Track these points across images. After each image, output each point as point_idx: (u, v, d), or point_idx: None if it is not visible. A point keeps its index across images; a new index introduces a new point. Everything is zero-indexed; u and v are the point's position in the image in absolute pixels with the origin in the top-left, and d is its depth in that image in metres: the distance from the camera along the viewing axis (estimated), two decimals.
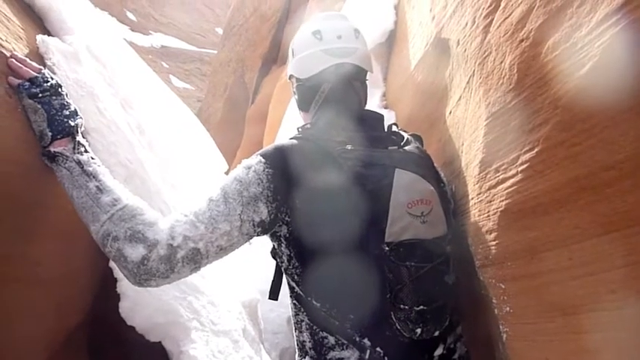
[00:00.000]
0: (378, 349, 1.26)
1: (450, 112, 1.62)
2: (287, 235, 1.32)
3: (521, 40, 1.06)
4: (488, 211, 1.20)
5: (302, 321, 1.37)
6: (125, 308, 1.48)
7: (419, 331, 1.24)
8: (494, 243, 1.18)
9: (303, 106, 1.64)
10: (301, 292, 1.35)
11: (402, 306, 1.24)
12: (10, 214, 1.18)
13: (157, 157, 1.89)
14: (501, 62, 1.15)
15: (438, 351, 1.32)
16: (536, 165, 1.04)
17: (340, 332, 1.29)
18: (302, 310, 1.36)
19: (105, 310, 1.59)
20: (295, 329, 1.40)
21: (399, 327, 1.25)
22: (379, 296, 1.27)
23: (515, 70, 1.09)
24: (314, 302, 1.32)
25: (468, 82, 1.41)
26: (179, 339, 1.57)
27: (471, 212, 1.34)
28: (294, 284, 1.37)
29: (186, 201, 1.97)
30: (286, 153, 1.32)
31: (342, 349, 1.29)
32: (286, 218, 1.30)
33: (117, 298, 1.52)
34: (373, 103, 2.49)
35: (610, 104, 0.84)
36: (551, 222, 1.02)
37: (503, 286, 1.16)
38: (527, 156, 1.05)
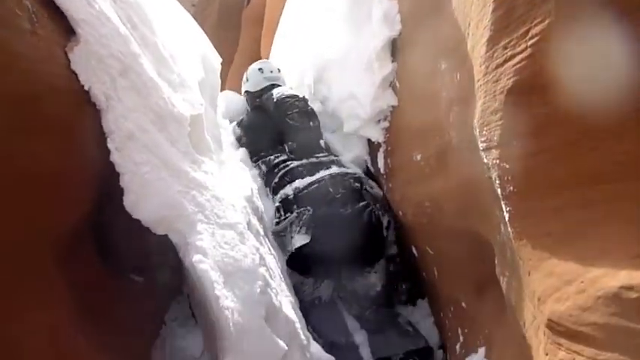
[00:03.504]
0: None
1: None
2: None
3: None
4: (495, 91, 1.17)
5: None
6: (129, 201, 1.48)
7: None
8: (499, 123, 1.16)
9: (251, 103, 3.34)
10: None
11: None
12: (2, 108, 1.14)
13: (150, 53, 1.83)
14: None
15: None
16: (546, 37, 0.99)
17: None
18: None
19: (110, 206, 1.60)
20: None
21: None
22: None
23: None
24: None
25: None
26: (185, 231, 1.59)
27: (477, 95, 1.30)
28: None
29: (183, 99, 1.93)
30: None
31: None
32: None
33: (120, 193, 1.52)
34: None
35: None
36: (559, 96, 0.99)
37: (507, 166, 1.15)
38: (538, 28, 1.01)
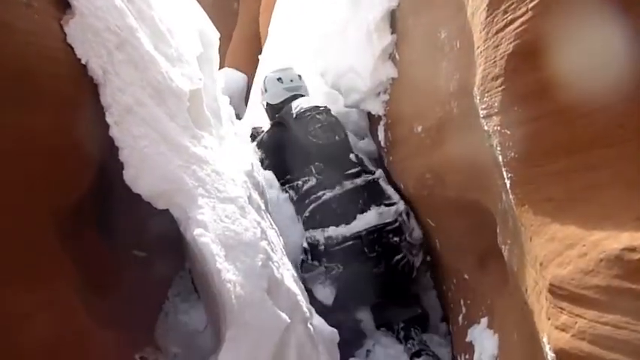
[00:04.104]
0: None
1: None
2: None
3: None
4: (495, 57, 1.15)
5: None
6: (129, 176, 1.47)
7: None
8: (500, 89, 1.15)
9: (273, 117, 2.98)
10: None
11: None
12: (1, 82, 1.13)
13: (147, 27, 1.80)
14: None
15: None
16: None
17: None
18: None
19: (110, 182, 1.59)
20: None
21: None
22: None
23: None
24: None
25: None
26: (186, 205, 1.59)
27: (477, 62, 1.29)
28: None
29: (181, 74, 1.91)
30: None
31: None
32: None
33: (121, 168, 1.52)
34: None
35: None
36: (561, 59, 0.97)
37: (508, 132, 1.14)
38: None
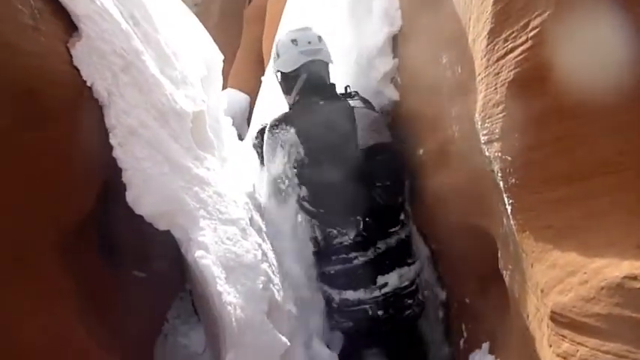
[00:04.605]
0: None
1: None
2: None
3: None
4: (496, 84, 1.17)
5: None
6: (132, 197, 1.48)
7: None
8: (501, 116, 1.16)
9: (288, 90, 2.41)
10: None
11: None
12: (3, 102, 1.15)
13: (152, 50, 1.83)
14: None
15: None
16: (547, 29, 0.99)
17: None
18: None
19: (112, 203, 1.60)
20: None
21: None
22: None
23: None
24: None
25: None
26: (187, 227, 1.59)
27: (478, 89, 1.30)
28: None
29: (185, 96, 1.93)
30: None
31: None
32: None
33: (123, 189, 1.52)
34: None
35: None
36: (561, 87, 0.99)
37: (509, 159, 1.15)
38: (539, 20, 1.00)
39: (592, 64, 0.94)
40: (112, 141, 1.48)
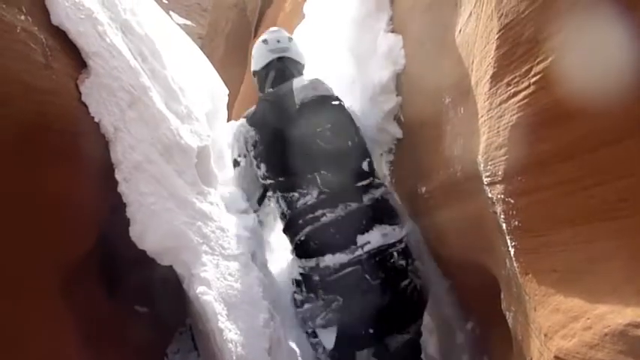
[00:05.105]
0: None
1: (460, 31, 1.57)
2: None
3: None
4: (499, 127, 1.18)
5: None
6: (135, 232, 1.49)
7: None
8: (503, 158, 1.17)
9: (261, 88, 2.54)
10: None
11: None
12: (11, 137, 1.16)
13: (159, 86, 1.86)
14: None
15: None
16: (550, 75, 1.01)
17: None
18: None
19: (115, 237, 1.60)
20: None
21: None
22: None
23: None
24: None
25: None
26: (189, 262, 1.60)
27: (481, 130, 1.32)
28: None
29: (191, 131, 1.95)
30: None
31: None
32: None
33: (127, 223, 1.53)
34: (379, 28, 2.42)
35: None
36: (562, 133, 1.00)
37: (512, 201, 1.16)
38: (541, 66, 1.02)
39: (595, 110, 0.96)
40: (118, 176, 1.49)
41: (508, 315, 1.45)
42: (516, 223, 1.16)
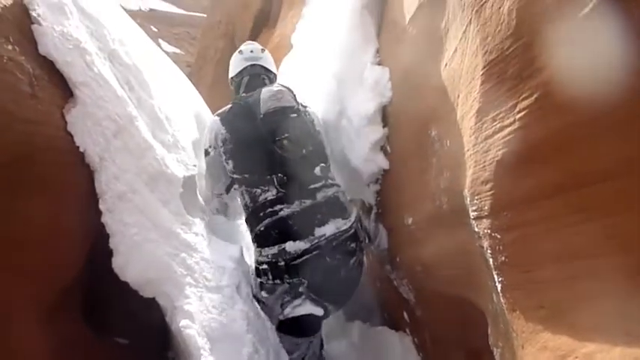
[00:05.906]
0: None
1: (446, 65, 1.59)
2: None
3: None
4: (484, 162, 1.19)
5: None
6: (118, 263, 1.47)
7: None
8: (489, 194, 1.17)
9: (236, 92, 2.80)
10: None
11: None
12: (3, 166, 1.15)
13: (146, 115, 1.85)
14: (499, 8, 1.12)
15: None
16: (534, 112, 1.02)
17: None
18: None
19: (98, 268, 1.58)
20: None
21: None
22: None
23: (514, 15, 1.06)
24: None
25: (464, 32, 1.37)
26: (173, 295, 1.57)
27: (467, 164, 1.32)
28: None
29: (177, 160, 1.94)
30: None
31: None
32: None
33: (110, 254, 1.51)
34: (366, 60, 2.44)
35: None
36: (548, 169, 1.01)
37: (498, 236, 1.16)
38: (526, 103, 1.03)
39: (581, 148, 0.96)
40: (101, 206, 1.48)
41: (495, 351, 1.43)
42: (503, 258, 1.15)
